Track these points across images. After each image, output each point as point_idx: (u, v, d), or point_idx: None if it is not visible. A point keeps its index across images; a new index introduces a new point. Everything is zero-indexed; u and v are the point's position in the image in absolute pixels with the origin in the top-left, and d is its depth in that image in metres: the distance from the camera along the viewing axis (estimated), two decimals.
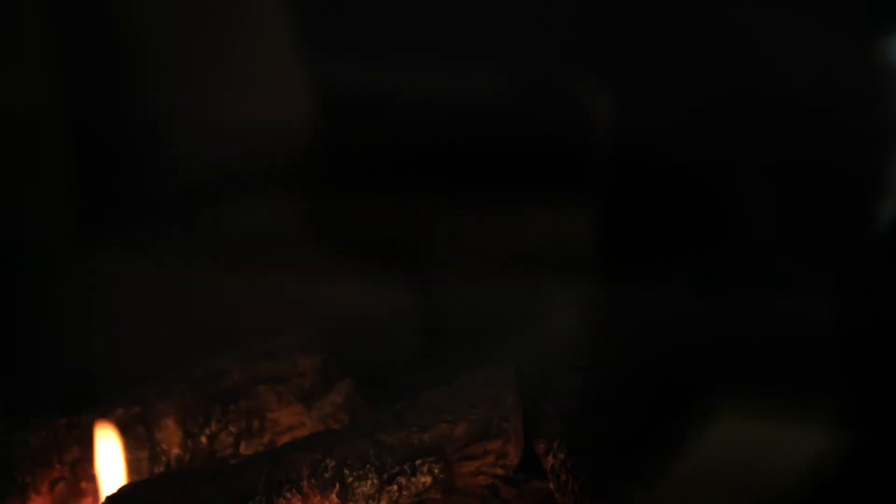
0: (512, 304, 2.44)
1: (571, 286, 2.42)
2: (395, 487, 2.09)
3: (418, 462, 2.11)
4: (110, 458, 2.20)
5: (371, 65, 2.46)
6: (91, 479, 2.24)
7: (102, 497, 2.07)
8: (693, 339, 2.26)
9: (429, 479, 2.11)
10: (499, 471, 2.17)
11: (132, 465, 2.25)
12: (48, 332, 2.53)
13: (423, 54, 2.41)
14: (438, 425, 2.12)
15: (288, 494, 2.03)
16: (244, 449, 2.30)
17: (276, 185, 2.54)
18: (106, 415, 2.27)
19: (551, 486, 2.10)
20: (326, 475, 2.06)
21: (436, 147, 2.44)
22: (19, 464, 2.19)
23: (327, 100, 2.48)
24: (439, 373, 2.23)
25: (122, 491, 2.02)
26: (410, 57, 2.42)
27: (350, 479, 2.07)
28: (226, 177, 2.52)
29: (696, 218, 2.34)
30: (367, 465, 2.07)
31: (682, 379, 2.19)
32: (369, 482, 2.07)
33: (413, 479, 2.10)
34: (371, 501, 2.08)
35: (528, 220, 2.45)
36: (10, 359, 2.49)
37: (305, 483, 2.04)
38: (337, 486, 2.06)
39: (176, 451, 2.29)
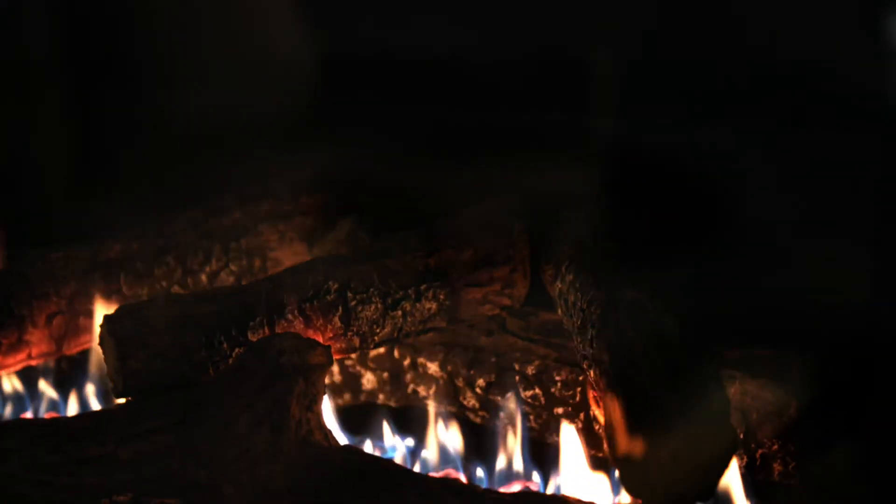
0: None
1: None
2: (400, 313, 2.05)
3: (423, 287, 2.06)
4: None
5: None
6: (89, 314, 2.20)
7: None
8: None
9: (434, 306, 2.06)
10: (505, 301, 2.13)
11: (131, 300, 2.21)
12: (49, 168, 2.49)
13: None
14: (444, 251, 2.07)
15: (290, 316, 1.99)
16: None
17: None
18: (103, 250, 2.23)
19: (559, 311, 2.05)
20: (329, 298, 2.01)
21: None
22: (16, 295, 2.15)
23: (332, 55, 2.43)
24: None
25: (119, 310, 1.97)
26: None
27: (353, 303, 2.02)
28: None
29: None
30: (371, 290, 2.03)
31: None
32: (373, 307, 2.03)
33: (418, 305, 2.05)
34: (375, 327, 2.04)
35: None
36: (9, 193, 2.46)
37: (307, 305, 2.00)
38: (340, 309, 2.01)
39: (175, 288, 2.25)
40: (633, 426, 1.73)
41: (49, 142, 2.65)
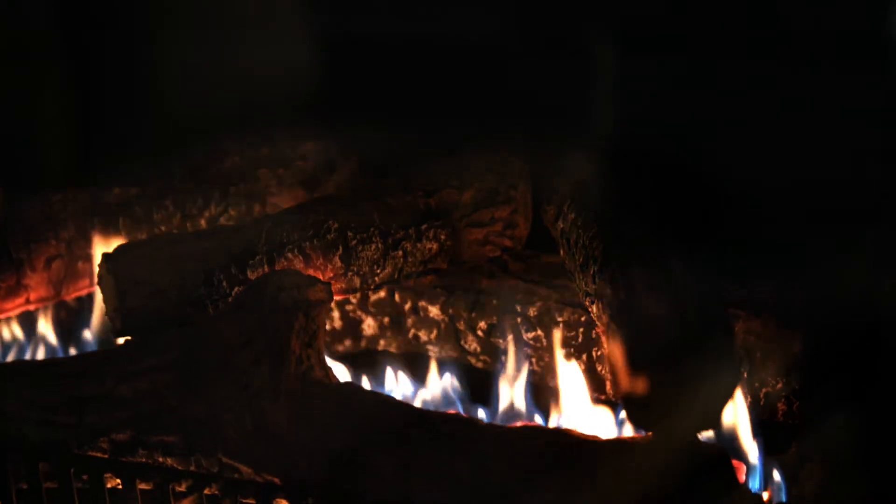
0: None
1: None
2: (400, 253, 2.03)
3: (424, 227, 2.04)
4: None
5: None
6: (88, 259, 2.18)
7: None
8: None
9: (435, 246, 2.05)
10: (507, 242, 2.11)
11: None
12: (48, 114, 2.47)
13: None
14: (445, 190, 2.06)
15: (289, 255, 1.97)
16: None
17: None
18: (102, 194, 2.21)
19: (561, 252, 2.03)
20: (329, 237, 1.99)
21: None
22: (13, 237, 2.14)
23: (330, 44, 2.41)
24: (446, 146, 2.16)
25: (118, 249, 1.96)
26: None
27: (353, 243, 2.00)
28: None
29: None
30: (372, 229, 2.01)
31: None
32: (373, 246, 2.01)
33: (419, 245, 2.04)
34: (376, 267, 2.02)
35: None
36: (6, 134, 2.43)
37: (307, 244, 1.98)
38: (340, 248, 2.00)
39: (175, 233, 2.23)
40: (637, 360, 1.71)
41: (48, 98, 2.63)
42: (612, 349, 1.77)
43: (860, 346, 1.96)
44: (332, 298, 1.89)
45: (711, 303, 1.79)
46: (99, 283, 1.96)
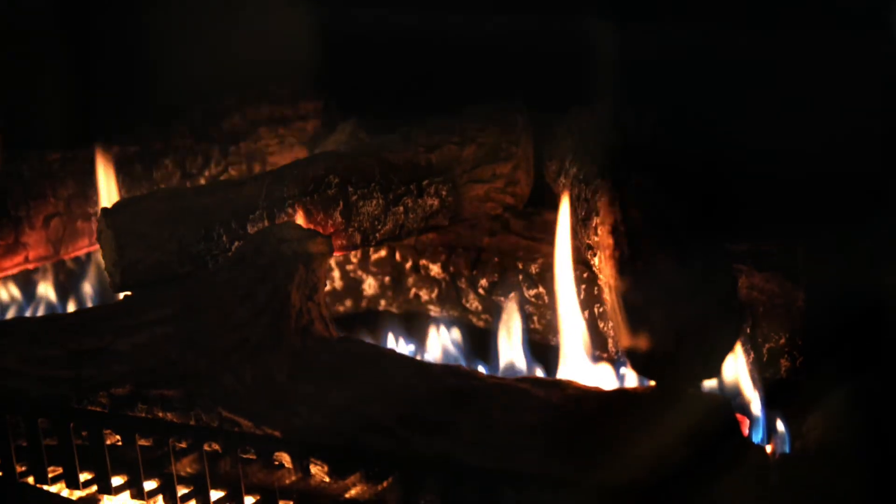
0: None
1: None
2: (401, 209, 2.02)
3: (425, 183, 2.03)
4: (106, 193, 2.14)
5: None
6: (87, 218, 2.17)
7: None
8: None
9: (436, 202, 2.04)
10: (508, 199, 2.10)
11: None
12: (47, 69, 2.46)
13: None
14: (446, 146, 2.04)
15: (290, 210, 1.96)
16: None
17: None
18: (102, 152, 2.20)
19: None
20: (330, 192, 1.98)
21: None
22: (12, 195, 2.12)
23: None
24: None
25: (118, 203, 1.95)
26: None
27: (354, 198, 1.99)
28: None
29: None
30: (373, 185, 1.99)
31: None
32: (374, 202, 2.00)
33: (420, 201, 2.02)
34: (377, 223, 2.00)
35: None
36: (7, 91, 2.42)
37: (308, 199, 1.96)
38: (341, 204, 1.98)
39: (175, 188, 2.21)
40: (639, 309, 1.70)
41: (50, 60, 2.62)
42: (615, 299, 1.76)
43: (863, 305, 1.95)
44: (332, 251, 1.87)
45: (715, 255, 1.78)
46: (98, 239, 1.94)
